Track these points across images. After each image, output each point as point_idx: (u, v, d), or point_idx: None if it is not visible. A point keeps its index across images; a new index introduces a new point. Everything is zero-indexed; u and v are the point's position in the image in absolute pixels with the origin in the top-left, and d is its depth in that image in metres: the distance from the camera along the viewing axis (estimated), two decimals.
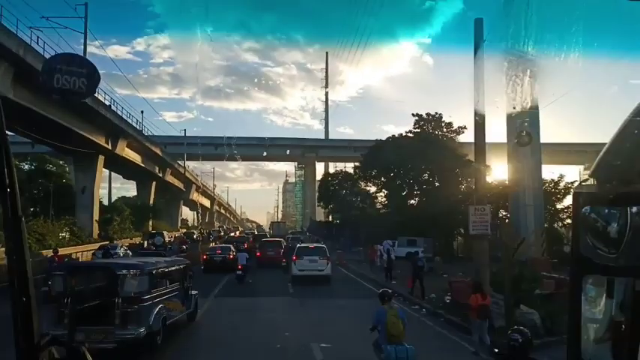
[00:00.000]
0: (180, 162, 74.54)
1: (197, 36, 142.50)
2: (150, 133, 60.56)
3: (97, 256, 30.53)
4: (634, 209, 1.47)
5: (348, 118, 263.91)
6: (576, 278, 1.54)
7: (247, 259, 25.66)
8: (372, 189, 57.03)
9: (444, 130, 41.01)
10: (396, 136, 48.43)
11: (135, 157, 53.04)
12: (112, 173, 68.59)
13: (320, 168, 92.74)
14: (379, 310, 8.53)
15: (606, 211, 1.53)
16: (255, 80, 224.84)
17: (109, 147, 44.56)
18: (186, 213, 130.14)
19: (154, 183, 65.84)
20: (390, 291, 9.55)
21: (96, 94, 53.16)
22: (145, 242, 47.06)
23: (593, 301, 1.69)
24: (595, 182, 2.22)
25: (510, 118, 27.70)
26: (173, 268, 13.09)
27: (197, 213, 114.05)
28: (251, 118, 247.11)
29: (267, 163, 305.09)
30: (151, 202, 65.96)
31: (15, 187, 1.73)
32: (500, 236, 17.28)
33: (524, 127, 25.28)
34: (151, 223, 64.69)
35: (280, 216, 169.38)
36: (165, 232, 53.01)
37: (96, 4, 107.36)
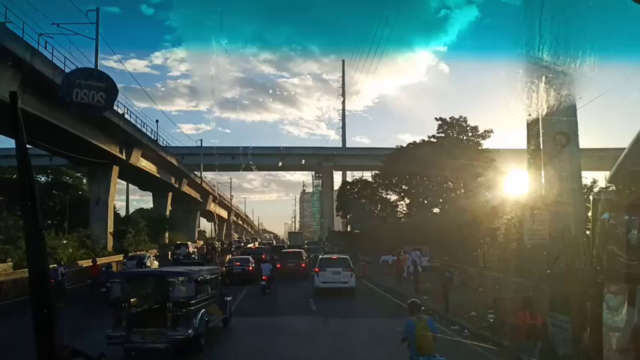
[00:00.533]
0: (196, 172, 73.47)
1: (213, 48, 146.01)
2: (166, 144, 59.98)
3: (128, 266, 32.18)
4: None
5: (365, 128, 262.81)
6: (597, 286, 1.37)
7: (271, 270, 25.54)
8: (393, 197, 55.18)
9: (469, 134, 38.95)
10: (418, 142, 46.56)
11: (150, 167, 51.87)
12: (129, 185, 68.22)
13: (337, 177, 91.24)
14: (408, 322, 8.29)
15: (626, 217, 1.48)
16: (271, 91, 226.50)
17: (124, 157, 43.38)
18: (204, 224, 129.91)
19: (170, 194, 64.65)
20: (418, 301, 9.03)
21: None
22: (170, 253, 47.62)
23: (616, 309, 1.55)
24: (614, 189, 1.91)
25: (532, 124, 25.73)
26: (212, 276, 14.08)
27: (214, 224, 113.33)
28: (267, 128, 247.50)
29: (284, 173, 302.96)
30: (167, 213, 64.70)
31: (36, 199, 1.77)
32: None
33: (559, 129, 23.44)
34: (167, 234, 63.49)
35: (298, 226, 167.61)
36: (189, 243, 54.27)
37: (114, 19, 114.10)
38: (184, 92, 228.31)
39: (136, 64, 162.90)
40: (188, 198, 73.23)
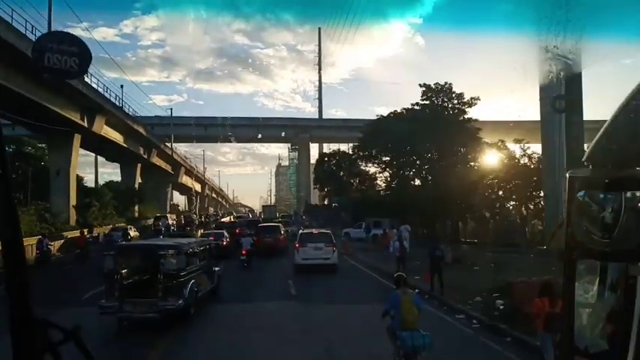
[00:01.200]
0: (167, 144, 70.19)
1: (186, 17, 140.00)
2: (135, 113, 56.58)
3: (113, 237, 35.81)
4: (628, 194, 1.46)
5: (340, 101, 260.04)
6: (570, 263, 1.56)
7: (251, 244, 24.71)
8: (372, 169, 53.30)
9: (455, 101, 36.82)
10: (399, 110, 44.36)
11: (116, 136, 48.59)
12: (98, 156, 64.70)
13: (314, 150, 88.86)
14: (393, 295, 8.22)
15: (601, 195, 1.51)
16: (246, 62, 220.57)
17: (85, 124, 40.07)
18: (177, 198, 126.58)
19: (138, 165, 61.33)
20: (404, 275, 9.01)
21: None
22: (153, 225, 48.65)
23: (588, 287, 1.62)
24: (590, 166, 1.65)
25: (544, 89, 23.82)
26: (201, 248, 14.49)
27: (191, 197, 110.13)
28: (242, 100, 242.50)
29: (259, 146, 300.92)
30: (137, 185, 61.56)
31: (7, 167, 1.68)
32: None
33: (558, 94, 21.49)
34: (137, 208, 60.50)
35: (273, 200, 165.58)
36: (168, 215, 56.34)
37: None
38: (156, 62, 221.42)
39: (105, 33, 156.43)
40: (159, 170, 70.02)
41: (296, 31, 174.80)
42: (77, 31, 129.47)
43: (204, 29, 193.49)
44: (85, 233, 31.54)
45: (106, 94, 42.68)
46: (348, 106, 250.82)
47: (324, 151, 78.66)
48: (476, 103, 36.63)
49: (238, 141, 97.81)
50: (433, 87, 36.91)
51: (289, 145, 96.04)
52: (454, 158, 36.66)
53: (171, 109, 75.87)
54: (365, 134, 48.10)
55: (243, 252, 23.46)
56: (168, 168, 73.48)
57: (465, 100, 36.63)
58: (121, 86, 53.32)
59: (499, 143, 35.57)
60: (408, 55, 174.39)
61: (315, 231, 24.71)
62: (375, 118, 47.24)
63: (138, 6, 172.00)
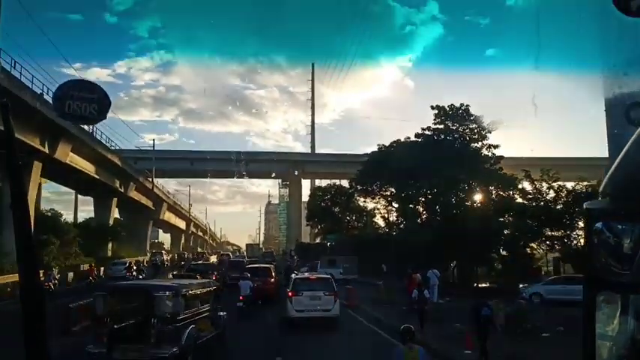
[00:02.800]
0: (149, 178, 64.47)
1: (179, 59, 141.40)
2: (115, 146, 51.30)
3: (113, 270, 38.30)
4: None
5: (331, 141, 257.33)
6: (590, 296, 1.55)
7: (251, 288, 20.97)
8: (371, 205, 47.82)
9: (473, 126, 31.60)
10: (404, 139, 39.27)
11: (85, 165, 42.81)
12: (67, 187, 58.69)
13: (306, 188, 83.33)
14: (397, 351, 7.48)
15: (619, 227, 1.51)
16: (238, 103, 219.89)
17: (46, 150, 34.55)
18: (163, 236, 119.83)
19: (114, 199, 55.37)
20: (412, 327, 7.67)
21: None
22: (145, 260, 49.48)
23: (608, 320, 1.59)
24: (607, 198, 1.58)
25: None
26: (204, 290, 13.28)
27: (175, 235, 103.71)
28: (233, 140, 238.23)
29: (249, 184, 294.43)
30: (111, 221, 55.35)
31: (28, 214, 1.92)
32: None
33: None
34: (110, 246, 54.16)
35: (262, 238, 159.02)
36: (163, 252, 59.01)
37: (76, 27, 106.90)
38: (148, 102, 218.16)
39: (99, 73, 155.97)
40: (138, 205, 63.92)
41: (288, 74, 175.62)
42: (70, 72, 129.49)
43: (196, 71, 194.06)
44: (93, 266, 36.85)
45: None
46: (338, 145, 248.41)
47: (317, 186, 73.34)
48: (497, 128, 31.62)
49: (222, 176, 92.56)
50: (447, 109, 31.84)
51: (279, 181, 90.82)
52: (471, 191, 31.33)
53: (154, 140, 69.91)
54: (366, 165, 42.85)
55: (240, 297, 20.10)
56: (149, 203, 67.38)
57: (485, 123, 31.52)
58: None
59: (524, 174, 30.38)
60: (398, 97, 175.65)
61: (312, 276, 20.28)
62: (378, 147, 41.92)
63: (132, 47, 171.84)
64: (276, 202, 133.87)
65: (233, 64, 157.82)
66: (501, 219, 30.68)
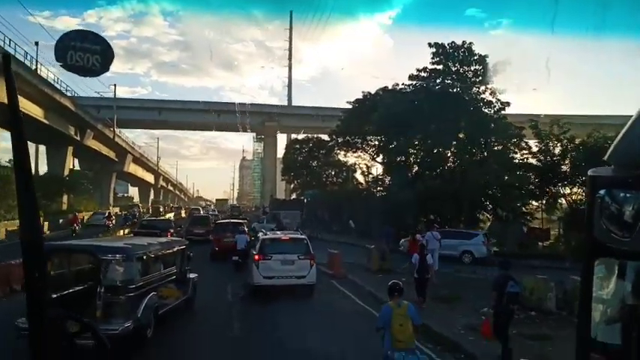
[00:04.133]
0: (110, 125, 58.69)
1: (152, 9, 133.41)
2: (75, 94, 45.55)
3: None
4: None
5: (308, 98, 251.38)
6: (589, 261, 1.58)
7: (247, 243, 19.60)
8: (352, 160, 43.66)
9: (478, 67, 27.12)
10: (392, 87, 34.83)
11: (33, 109, 37.16)
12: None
13: (282, 143, 78.47)
14: (384, 308, 6.85)
15: (622, 194, 1.53)
16: (213, 56, 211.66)
17: None
18: (134, 190, 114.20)
19: (69, 148, 49.85)
20: (400, 283, 7.03)
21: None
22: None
23: (605, 284, 1.64)
24: (612, 165, 1.60)
25: None
26: (169, 251, 11.42)
27: (143, 189, 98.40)
28: (208, 94, 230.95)
29: (224, 140, 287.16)
30: (66, 172, 50.02)
31: (29, 166, 1.84)
32: None
33: None
34: (65, 199, 49.08)
35: (236, 195, 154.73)
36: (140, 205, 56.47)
37: None
38: (120, 53, 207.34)
39: (67, 22, 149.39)
40: (99, 156, 58.49)
41: (265, 27, 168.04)
42: (38, 19, 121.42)
43: (170, 22, 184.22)
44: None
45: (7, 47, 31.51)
46: (315, 102, 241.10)
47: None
48: (505, 69, 27.13)
49: (196, 128, 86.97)
50: (447, 47, 27.03)
51: (254, 134, 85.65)
52: (470, 142, 27.22)
53: (115, 85, 62.55)
54: (348, 115, 38.45)
55: (237, 251, 19.00)
56: (112, 154, 61.93)
57: (489, 64, 26.97)
58: (36, 43, 40.84)
59: (531, 123, 26.42)
60: (377, 55, 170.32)
61: (285, 236, 16.42)
62: (363, 94, 37.36)
63: None
64: (251, 157, 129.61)
65: (208, 15, 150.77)
66: (502, 175, 27.00)
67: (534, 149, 27.90)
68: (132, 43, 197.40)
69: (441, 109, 26.48)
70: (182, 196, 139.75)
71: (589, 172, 1.61)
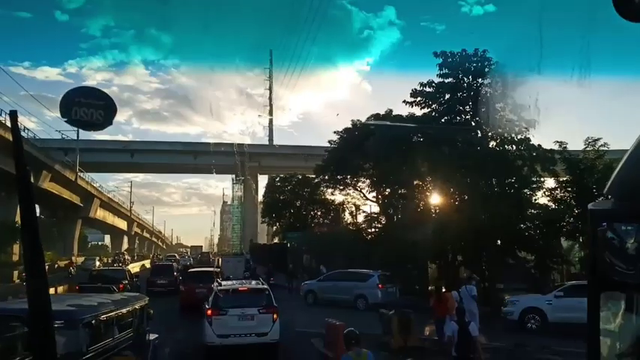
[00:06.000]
0: (74, 169, 52.94)
1: (133, 59, 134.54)
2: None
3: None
4: None
5: (290, 143, 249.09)
6: (594, 295, 1.56)
7: None
8: (339, 198, 38.48)
9: (494, 78, 21.79)
10: (385, 113, 30.18)
11: None
12: None
13: (263, 184, 73.25)
14: (343, 359, 6.42)
15: (622, 227, 1.52)
16: (194, 104, 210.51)
17: None
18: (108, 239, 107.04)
19: None
20: (357, 331, 6.63)
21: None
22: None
23: (613, 318, 1.62)
24: (611, 198, 1.62)
25: None
26: (125, 310, 9.09)
27: (115, 237, 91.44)
28: (189, 141, 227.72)
29: (205, 186, 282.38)
30: (18, 219, 43.75)
31: (36, 223, 2.07)
32: None
33: None
34: (17, 248, 42.68)
35: (216, 241, 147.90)
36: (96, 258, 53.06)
37: (26, 25, 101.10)
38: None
39: (48, 72, 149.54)
40: (61, 201, 52.37)
41: (245, 75, 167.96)
42: (18, 70, 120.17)
43: (151, 71, 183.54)
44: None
45: None
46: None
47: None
48: (529, 76, 22.19)
49: (172, 171, 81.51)
50: (457, 55, 21.98)
51: (233, 176, 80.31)
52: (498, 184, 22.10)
53: (78, 129, 55.47)
54: (335, 147, 33.56)
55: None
56: (76, 199, 55.77)
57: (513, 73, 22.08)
58: None
59: (559, 146, 21.73)
60: (356, 100, 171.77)
61: (242, 287, 14.35)
62: (352, 122, 32.55)
63: (84, 46, 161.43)
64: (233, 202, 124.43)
65: (188, 64, 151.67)
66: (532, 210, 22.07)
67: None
68: (113, 92, 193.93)
69: (451, 130, 21.67)
70: (159, 244, 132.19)
71: (589, 206, 1.56)
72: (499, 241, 22.30)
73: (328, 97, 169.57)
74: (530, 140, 22.00)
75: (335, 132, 33.91)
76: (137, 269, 44.38)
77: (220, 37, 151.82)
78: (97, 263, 46.87)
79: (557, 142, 22.45)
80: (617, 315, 1.59)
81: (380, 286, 21.12)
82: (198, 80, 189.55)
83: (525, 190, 22.10)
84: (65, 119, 50.04)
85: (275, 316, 12.62)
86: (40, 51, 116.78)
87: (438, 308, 12.68)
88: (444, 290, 12.96)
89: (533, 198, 22.42)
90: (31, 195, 1.83)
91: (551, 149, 22.20)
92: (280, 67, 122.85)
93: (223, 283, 14.82)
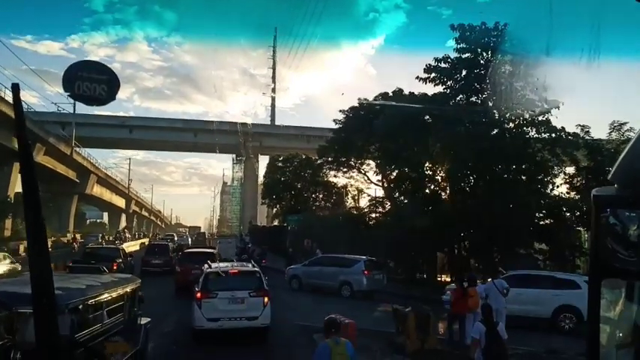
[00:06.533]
0: (71, 143, 51.41)
1: (136, 35, 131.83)
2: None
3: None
4: None
5: (292, 125, 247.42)
6: (595, 282, 1.56)
7: None
8: (342, 181, 37.03)
9: (516, 54, 20.01)
10: (394, 92, 28.59)
11: None
12: None
13: (264, 165, 71.76)
14: (321, 347, 6.07)
15: (626, 214, 1.52)
16: (196, 83, 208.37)
17: None
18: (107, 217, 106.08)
19: (15, 165, 42.35)
20: (337, 319, 6.74)
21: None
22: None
23: (613, 306, 1.64)
24: (615, 185, 1.60)
25: None
26: (115, 294, 8.40)
27: (113, 214, 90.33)
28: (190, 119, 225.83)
29: (206, 166, 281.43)
30: (11, 192, 42.30)
31: (38, 196, 2.03)
32: None
33: None
34: (9, 224, 41.38)
35: (216, 222, 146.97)
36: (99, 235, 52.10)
37: None
38: None
39: (50, 47, 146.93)
40: (57, 176, 50.97)
41: (249, 55, 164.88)
42: (21, 44, 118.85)
43: (153, 48, 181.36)
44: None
45: None
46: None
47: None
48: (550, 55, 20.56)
49: (170, 148, 79.90)
50: (476, 28, 20.41)
51: (233, 156, 78.74)
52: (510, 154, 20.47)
53: (74, 101, 54.33)
54: (341, 126, 32.00)
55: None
56: (72, 174, 54.33)
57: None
58: None
59: (581, 129, 20.20)
60: (360, 83, 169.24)
61: (233, 269, 13.84)
62: (359, 101, 30.98)
63: (87, 21, 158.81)
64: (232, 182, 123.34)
65: (191, 42, 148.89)
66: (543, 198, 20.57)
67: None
68: (115, 69, 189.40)
69: (467, 110, 20.09)
70: (159, 223, 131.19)
71: (592, 192, 1.55)
72: (514, 230, 20.88)
73: (332, 80, 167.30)
74: (551, 122, 20.41)
75: (341, 111, 32.34)
76: (137, 247, 43.44)
77: (224, 15, 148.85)
78: (100, 240, 46.05)
79: (579, 125, 20.89)
80: (617, 302, 1.56)
81: (366, 272, 20.10)
82: (200, 59, 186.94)
83: (544, 177, 20.57)
84: (68, 93, 49.04)
85: (266, 299, 12.35)
86: (42, 25, 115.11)
87: (458, 303, 11.27)
88: (467, 283, 11.44)
89: (552, 185, 20.85)
90: (32, 170, 1.79)
91: (574, 132, 20.63)
92: (284, 47, 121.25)
93: (213, 265, 14.15)
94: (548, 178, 20.65)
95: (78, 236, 48.98)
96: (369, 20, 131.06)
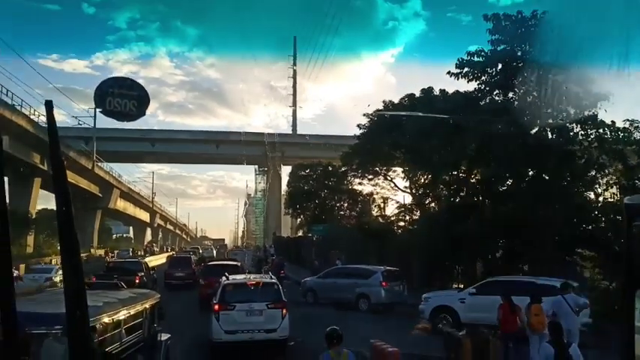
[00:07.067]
0: (92, 157, 51.18)
1: (158, 51, 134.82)
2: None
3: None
4: None
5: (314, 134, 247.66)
6: (629, 292, 1.47)
7: None
8: (368, 188, 35.39)
9: (553, 44, 18.80)
10: (422, 93, 27.09)
11: None
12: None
13: (287, 175, 70.47)
14: (324, 357, 6.09)
15: None
16: (218, 97, 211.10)
17: None
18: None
19: (37, 180, 42.05)
20: (339, 329, 6.24)
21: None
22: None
23: None
24: None
25: None
26: (132, 311, 7.93)
27: (140, 230, 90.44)
28: (211, 130, 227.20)
29: (230, 179, 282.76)
30: (32, 208, 41.98)
31: (70, 206, 1.96)
32: None
33: None
34: (30, 240, 40.93)
35: (240, 234, 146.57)
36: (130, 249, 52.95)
37: (53, 18, 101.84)
38: None
39: (76, 65, 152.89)
40: (79, 191, 50.68)
41: (270, 68, 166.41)
42: (47, 62, 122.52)
43: (176, 63, 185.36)
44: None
45: None
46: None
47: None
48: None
49: (191, 160, 79.42)
50: (513, 18, 18.88)
51: (256, 167, 77.92)
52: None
53: (95, 109, 53.35)
54: (365, 130, 30.52)
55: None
56: (94, 189, 54.05)
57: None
58: None
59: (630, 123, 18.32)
60: (380, 93, 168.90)
61: (249, 281, 13.48)
62: (384, 103, 29.54)
63: (110, 39, 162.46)
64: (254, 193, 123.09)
65: (213, 57, 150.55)
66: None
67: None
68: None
69: (504, 108, 18.40)
70: (184, 236, 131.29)
71: (625, 200, 1.49)
72: (557, 237, 19.00)
73: (352, 90, 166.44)
74: (597, 118, 18.54)
75: (364, 114, 30.86)
76: (163, 260, 42.95)
77: (244, 29, 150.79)
78: (131, 254, 46.97)
79: (628, 119, 18.94)
80: None
81: (384, 283, 18.87)
82: (222, 73, 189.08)
83: (595, 176, 18.66)
84: (100, 110, 49.43)
85: (284, 311, 12.25)
86: (68, 43, 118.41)
87: (505, 321, 9.65)
88: (512, 302, 9.77)
89: (607, 186, 18.84)
90: (65, 186, 1.80)
91: (623, 127, 18.71)
92: (304, 59, 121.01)
93: (231, 277, 13.79)
94: (599, 176, 18.72)
95: (95, 251, 50.59)
96: (388, 29, 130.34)
